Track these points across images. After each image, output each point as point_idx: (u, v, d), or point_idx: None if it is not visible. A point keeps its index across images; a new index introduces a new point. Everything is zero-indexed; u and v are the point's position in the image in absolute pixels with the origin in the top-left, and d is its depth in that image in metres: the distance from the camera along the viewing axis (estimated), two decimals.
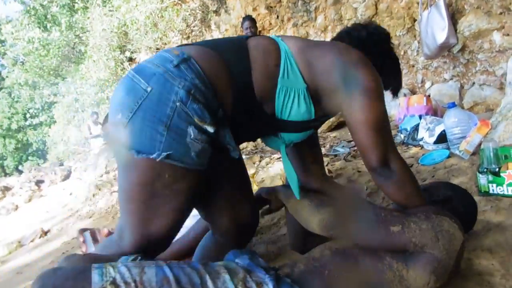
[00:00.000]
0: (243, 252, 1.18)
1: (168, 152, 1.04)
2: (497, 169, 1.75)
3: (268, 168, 3.37)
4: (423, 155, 2.70)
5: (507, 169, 1.72)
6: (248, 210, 1.47)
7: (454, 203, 1.35)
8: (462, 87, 3.31)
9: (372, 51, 1.32)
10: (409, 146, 3.02)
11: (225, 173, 1.40)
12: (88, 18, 9.66)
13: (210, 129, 1.10)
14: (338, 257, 1.16)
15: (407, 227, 1.09)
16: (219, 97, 1.15)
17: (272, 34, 5.72)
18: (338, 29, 4.47)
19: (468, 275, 1.27)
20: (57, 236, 4.45)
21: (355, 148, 3.47)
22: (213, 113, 1.12)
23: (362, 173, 2.70)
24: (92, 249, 1.59)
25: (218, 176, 1.37)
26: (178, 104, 1.06)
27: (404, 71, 3.66)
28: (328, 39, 4.75)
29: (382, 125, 1.17)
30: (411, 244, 1.07)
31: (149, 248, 1.14)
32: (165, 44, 8.82)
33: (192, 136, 1.07)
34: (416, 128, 3.05)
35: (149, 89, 1.06)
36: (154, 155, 1.04)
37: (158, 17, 8.34)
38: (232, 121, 1.20)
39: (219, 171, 1.35)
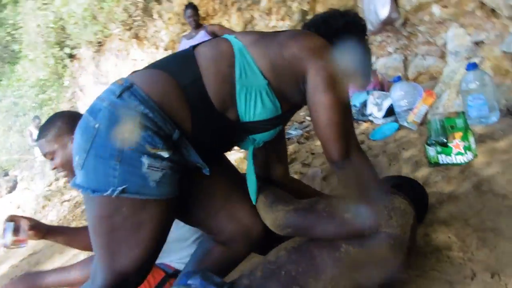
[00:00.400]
0: (196, 272, 1.13)
1: (123, 186, 1.01)
2: (444, 140, 1.77)
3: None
4: (373, 130, 2.72)
5: (454, 139, 1.75)
6: (247, 209, 1.33)
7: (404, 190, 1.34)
8: (406, 58, 3.36)
9: (346, 41, 1.25)
10: (359, 122, 3.04)
11: (212, 179, 1.29)
12: (19, 13, 9.04)
13: (165, 154, 1.05)
14: (294, 255, 1.12)
15: (361, 211, 1.07)
16: (173, 117, 1.09)
17: (216, 20, 5.61)
18: (283, 11, 4.43)
19: (427, 252, 1.27)
20: (5, 259, 4.12)
21: (308, 129, 3.46)
22: (166, 136, 1.07)
23: (316, 155, 2.68)
24: (7, 240, 1.47)
25: (205, 185, 1.30)
26: None
27: None
28: (273, 21, 4.70)
29: (345, 117, 1.13)
30: (367, 227, 1.06)
31: (124, 284, 1.09)
32: (107, 37, 8.44)
33: (147, 166, 1.03)
34: (364, 104, 3.07)
35: (97, 125, 1.03)
36: (109, 192, 1.01)
37: (97, 8, 7.94)
38: (196, 137, 1.14)
39: (204, 181, 1.27)
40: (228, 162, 1.44)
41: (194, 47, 1.20)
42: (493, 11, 2.39)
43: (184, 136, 1.10)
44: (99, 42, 8.68)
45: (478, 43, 2.56)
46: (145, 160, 1.02)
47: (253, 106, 1.14)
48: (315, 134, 1.18)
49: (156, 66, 1.18)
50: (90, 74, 9.42)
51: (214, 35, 4.18)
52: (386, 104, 2.80)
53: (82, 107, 9.31)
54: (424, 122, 2.48)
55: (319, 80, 1.11)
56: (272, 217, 1.20)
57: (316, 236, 1.13)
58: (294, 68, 1.13)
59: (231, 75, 1.12)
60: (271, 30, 4.74)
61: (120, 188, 1.01)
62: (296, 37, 1.17)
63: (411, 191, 1.33)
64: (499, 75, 2.28)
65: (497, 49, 2.33)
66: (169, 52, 6.79)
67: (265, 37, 1.21)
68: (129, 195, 1.02)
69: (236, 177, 1.39)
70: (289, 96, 1.18)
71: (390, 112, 2.76)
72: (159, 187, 1.05)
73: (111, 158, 1.01)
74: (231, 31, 4.18)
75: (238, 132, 1.22)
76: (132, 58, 8.16)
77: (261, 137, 1.25)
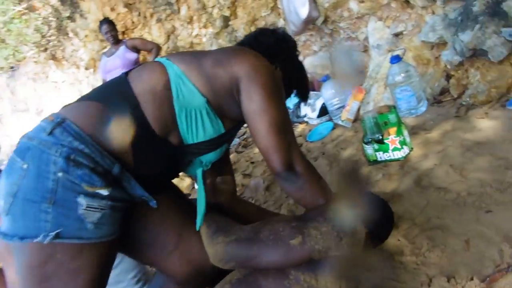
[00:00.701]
0: None
1: (57, 231, 0.93)
2: (380, 137, 1.76)
3: None
4: (309, 131, 2.70)
5: (389, 134, 1.74)
6: (200, 246, 1.20)
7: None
8: (331, 56, 3.38)
9: (279, 57, 1.27)
10: (295, 124, 3.01)
11: (161, 213, 1.20)
12: None
13: (104, 192, 0.98)
14: (238, 287, 1.04)
15: (308, 236, 0.99)
16: (112, 150, 1.01)
17: (136, 33, 5.37)
18: (204, 18, 4.31)
19: (379, 259, 1.22)
20: None
21: (245, 136, 3.39)
22: (105, 172, 0.99)
23: (256, 164, 2.61)
24: None
25: (155, 220, 1.19)
26: (60, 174, 0.94)
27: None
28: (196, 30, 4.57)
29: (284, 126, 1.10)
30: (316, 252, 0.98)
31: None
32: (19, 61, 7.85)
33: (84, 207, 0.96)
34: (298, 105, 3.06)
35: (25, 166, 0.95)
36: (40, 238, 0.92)
37: (4, 31, 7.34)
38: (139, 168, 1.07)
39: (153, 215, 1.18)
40: (176, 189, 1.37)
41: (127, 73, 1.15)
42: (407, 2, 2.44)
43: (125, 168, 1.03)
44: (12, 67, 8.06)
45: (397, 35, 2.61)
46: (82, 201, 0.95)
47: (195, 127, 1.10)
48: (254, 143, 1.14)
49: (89, 97, 1.10)
50: (7, 102, 8.74)
51: (135, 50, 3.99)
52: (318, 104, 2.79)
53: (2, 139, 8.62)
54: (357, 118, 2.49)
55: (253, 86, 1.08)
56: (213, 251, 1.10)
57: (262, 266, 1.04)
58: (229, 81, 1.10)
59: (168, 98, 1.07)
60: (194, 39, 4.62)
61: (53, 233, 0.92)
62: (228, 52, 1.17)
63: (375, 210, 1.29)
64: (421, 64, 2.34)
65: (416, 39, 2.38)
66: (91, 71, 6.44)
67: (198, 55, 1.17)
68: (64, 240, 0.93)
69: (186, 207, 1.30)
70: (229, 112, 1.14)
71: (324, 111, 2.75)
72: (97, 229, 0.97)
73: (43, 201, 0.93)
74: (153, 44, 4.01)
75: (183, 156, 1.16)
76: (52, 81, 7.67)
77: (208, 158, 1.20)
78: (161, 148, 1.10)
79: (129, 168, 1.04)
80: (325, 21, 3.04)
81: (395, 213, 1.39)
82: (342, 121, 2.48)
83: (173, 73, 1.10)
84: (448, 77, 2.21)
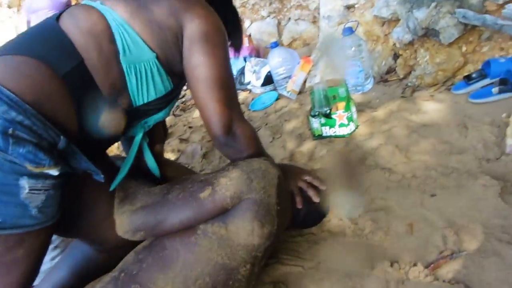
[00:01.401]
0: None
1: None
2: (328, 111, 1.69)
3: None
4: (252, 99, 2.60)
5: (337, 109, 1.68)
6: None
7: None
8: (279, 23, 3.27)
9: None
10: (238, 91, 2.89)
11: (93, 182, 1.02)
12: None
13: (54, 172, 0.83)
14: (142, 254, 0.96)
15: (218, 185, 0.94)
16: (55, 120, 0.85)
17: None
18: None
19: (320, 239, 1.17)
20: None
21: (184, 100, 3.21)
22: (50, 147, 0.84)
23: (195, 129, 2.47)
24: None
25: (87, 190, 1.04)
26: None
27: None
28: None
29: (226, 81, 1.01)
30: (228, 199, 0.92)
31: None
32: None
33: (27, 190, 0.80)
34: (242, 72, 2.92)
35: None
36: None
37: None
38: (85, 138, 0.94)
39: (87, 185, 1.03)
40: (107, 156, 1.23)
41: (57, 19, 0.94)
42: None
43: (69, 139, 0.88)
44: None
45: (349, 8, 2.55)
46: (25, 183, 0.80)
47: (145, 85, 1.00)
48: (194, 104, 1.05)
49: (19, 50, 0.88)
50: None
51: None
52: (264, 72, 2.68)
53: None
54: (302, 90, 2.42)
55: (197, 35, 0.99)
56: (118, 222, 0.99)
57: (174, 229, 0.96)
58: (172, 28, 0.99)
59: (114, 53, 0.94)
60: None
61: None
62: None
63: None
64: (371, 40, 2.30)
65: (368, 13, 2.33)
66: (15, 10, 5.79)
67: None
68: (3, 232, 0.80)
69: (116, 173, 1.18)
70: (175, 65, 1.04)
71: (269, 80, 2.65)
72: (41, 213, 0.84)
73: None
74: None
75: (131, 119, 1.05)
76: None
77: (155, 118, 1.11)
78: (109, 112, 0.96)
79: (72, 137, 0.90)
80: None
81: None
82: (287, 92, 2.40)
83: (114, 23, 0.94)
84: (396, 56, 2.19)
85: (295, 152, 1.74)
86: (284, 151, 1.80)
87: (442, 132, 1.45)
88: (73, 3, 3.87)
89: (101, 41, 0.92)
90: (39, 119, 0.81)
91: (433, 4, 1.74)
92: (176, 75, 1.06)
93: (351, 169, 1.25)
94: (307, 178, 1.20)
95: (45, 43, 0.91)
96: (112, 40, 0.93)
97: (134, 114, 1.04)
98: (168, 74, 1.03)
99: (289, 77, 2.47)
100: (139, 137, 1.11)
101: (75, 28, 0.92)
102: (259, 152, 1.10)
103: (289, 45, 3.18)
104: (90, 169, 0.93)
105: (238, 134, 1.04)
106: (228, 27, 1.12)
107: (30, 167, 0.79)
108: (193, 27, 0.98)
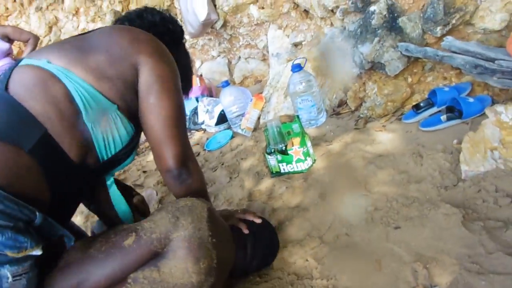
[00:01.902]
0: None
1: None
2: (283, 148, 1.67)
3: None
4: (207, 139, 2.54)
5: (293, 145, 1.66)
6: None
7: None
8: (230, 62, 3.29)
9: (165, 39, 1.12)
10: (192, 131, 2.84)
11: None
12: None
13: (37, 252, 0.78)
14: None
15: (142, 230, 0.88)
16: (27, 196, 0.80)
17: (11, 21, 4.70)
18: (92, 11, 3.92)
19: (287, 283, 1.10)
20: None
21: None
22: (28, 226, 0.78)
23: (149, 174, 2.37)
24: None
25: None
26: None
27: None
28: (83, 23, 4.13)
29: (181, 121, 1.03)
30: (155, 241, 0.86)
31: None
32: None
33: (11, 279, 0.74)
34: (195, 112, 2.88)
35: None
36: None
37: None
38: (57, 207, 0.89)
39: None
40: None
41: (5, 87, 0.89)
42: (306, 12, 2.43)
43: (42, 211, 0.82)
44: None
45: (297, 45, 2.60)
46: (7, 272, 0.74)
47: (111, 139, 0.96)
48: (147, 147, 1.03)
49: None
50: None
51: (7, 39, 3.44)
52: (217, 111, 2.65)
53: None
54: (257, 127, 2.40)
55: (152, 78, 0.99)
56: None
57: (101, 285, 0.86)
58: (131, 74, 0.98)
59: (76, 114, 0.90)
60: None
61: None
62: (121, 38, 1.01)
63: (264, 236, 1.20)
64: (320, 75, 2.34)
65: (316, 49, 2.38)
66: None
67: (83, 49, 0.97)
68: None
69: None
70: (133, 107, 1.01)
71: (223, 119, 2.62)
72: None
73: None
74: (30, 34, 3.50)
75: (100, 174, 1.03)
76: None
77: (122, 166, 1.07)
78: (80, 176, 0.94)
79: (45, 208, 0.85)
80: (224, 25, 2.93)
81: (302, 229, 1.30)
82: (242, 129, 2.37)
83: (68, 81, 0.89)
84: (346, 89, 2.23)
85: (253, 191, 1.69)
86: (243, 190, 1.74)
87: (398, 162, 1.46)
88: (14, 51, 3.73)
89: (60, 105, 0.88)
90: (11, 201, 0.75)
91: (376, 39, 1.80)
92: (136, 117, 1.03)
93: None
94: (244, 213, 1.21)
95: (3, 121, 0.85)
96: (71, 101, 0.89)
97: (103, 169, 1.00)
98: (129, 119, 1.00)
99: (243, 115, 2.45)
100: (112, 184, 1.07)
101: (29, 96, 0.87)
102: (206, 193, 1.11)
103: (241, 83, 3.19)
104: (64, 234, 0.87)
105: (191, 169, 1.04)
106: (179, 68, 1.11)
107: (11, 254, 0.72)
108: (148, 70, 0.98)
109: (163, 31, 1.17)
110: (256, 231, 1.17)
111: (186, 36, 3.14)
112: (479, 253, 0.96)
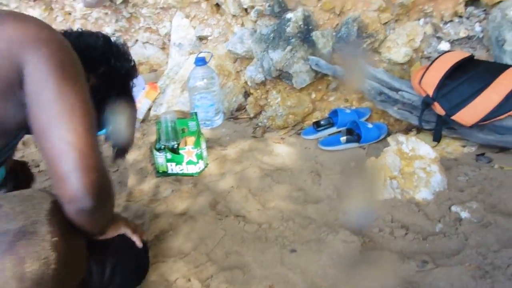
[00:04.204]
0: None
1: None
2: (175, 146, 1.49)
3: None
4: None
5: (186, 145, 1.50)
6: None
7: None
8: (125, 44, 2.97)
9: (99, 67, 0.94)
10: None
11: None
12: None
13: None
14: None
15: None
16: None
17: None
18: None
19: None
20: None
21: None
22: None
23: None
24: None
25: None
26: None
27: (59, 19, 2.99)
28: None
29: (89, 123, 0.74)
30: None
31: None
32: None
33: None
34: None
35: None
36: None
37: None
38: None
39: None
40: None
41: None
42: (218, 6, 2.29)
43: None
44: None
45: (202, 39, 2.44)
46: None
47: None
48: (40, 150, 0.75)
49: None
50: None
51: None
52: None
53: None
54: (146, 118, 2.18)
55: (45, 71, 0.72)
56: None
57: None
58: (11, 73, 0.72)
59: None
60: None
61: None
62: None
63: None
64: (222, 75, 2.21)
65: (222, 47, 2.25)
66: None
67: None
68: None
69: None
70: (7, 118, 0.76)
71: None
72: None
73: None
74: None
75: None
76: None
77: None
78: None
79: None
80: (126, 1, 2.64)
81: (187, 240, 1.15)
82: None
83: None
84: (247, 94, 2.14)
85: (134, 190, 1.48)
86: (121, 187, 1.52)
87: (296, 178, 1.39)
88: None
89: None
90: None
91: (289, 48, 1.73)
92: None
93: None
94: (132, 225, 1.00)
95: None
96: None
97: None
98: None
99: None
100: None
101: None
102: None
103: None
104: None
105: (103, 192, 0.74)
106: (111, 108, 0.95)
107: None
108: (44, 64, 0.73)
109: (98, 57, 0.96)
110: (122, 250, 0.96)
111: (80, 4, 2.78)
112: (375, 286, 0.91)
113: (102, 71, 0.95)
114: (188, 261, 1.06)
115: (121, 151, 1.10)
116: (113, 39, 1.04)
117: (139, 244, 0.96)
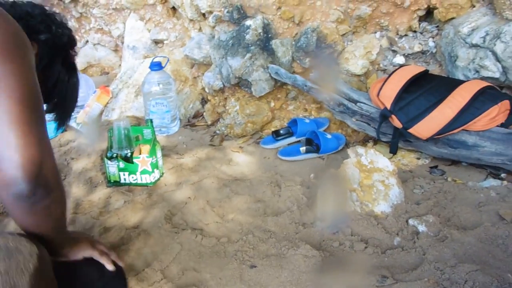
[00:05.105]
0: None
1: None
2: (129, 154, 1.42)
3: None
4: None
5: (140, 153, 1.42)
6: None
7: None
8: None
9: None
10: None
11: None
12: None
13: None
14: None
15: None
16: None
17: None
18: None
19: None
20: None
21: None
22: None
23: None
24: None
25: None
26: None
27: None
28: None
29: (34, 106, 0.70)
30: None
31: None
32: None
33: None
34: None
35: None
36: None
37: None
38: None
39: None
40: None
41: None
42: (175, 9, 2.23)
43: None
44: None
45: (157, 42, 2.36)
46: None
47: None
48: None
49: None
50: None
51: None
52: None
53: None
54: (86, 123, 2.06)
55: None
56: None
57: None
58: None
59: None
60: None
61: None
62: None
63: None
64: (178, 81, 2.14)
65: (178, 52, 2.19)
66: None
67: None
68: None
69: None
70: None
71: None
72: None
73: None
74: None
75: None
76: None
77: None
78: None
79: None
80: (75, 0, 2.51)
81: (138, 256, 1.08)
82: (78, 124, 2.00)
83: None
84: (204, 101, 2.09)
85: (82, 202, 1.38)
86: (68, 198, 1.41)
87: (255, 189, 1.36)
88: None
89: None
90: None
91: (248, 55, 1.70)
92: None
93: None
94: (101, 247, 0.90)
95: None
96: None
97: None
98: None
99: (82, 106, 2.08)
100: None
101: None
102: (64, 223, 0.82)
103: (84, 71, 2.77)
104: None
105: (51, 182, 0.69)
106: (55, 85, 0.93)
107: None
108: None
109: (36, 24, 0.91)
110: (91, 279, 0.88)
111: None
112: None
113: (44, 38, 0.90)
114: (141, 279, 0.99)
115: (62, 119, 1.07)
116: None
117: (110, 267, 0.88)
